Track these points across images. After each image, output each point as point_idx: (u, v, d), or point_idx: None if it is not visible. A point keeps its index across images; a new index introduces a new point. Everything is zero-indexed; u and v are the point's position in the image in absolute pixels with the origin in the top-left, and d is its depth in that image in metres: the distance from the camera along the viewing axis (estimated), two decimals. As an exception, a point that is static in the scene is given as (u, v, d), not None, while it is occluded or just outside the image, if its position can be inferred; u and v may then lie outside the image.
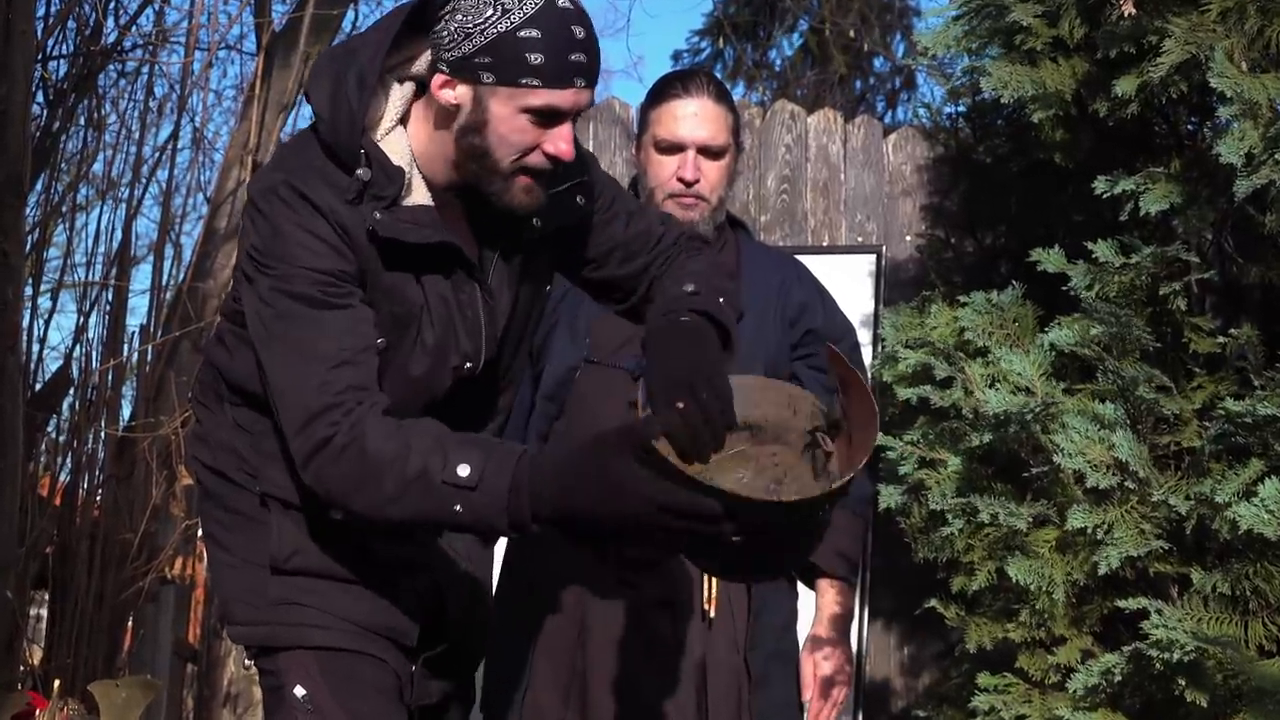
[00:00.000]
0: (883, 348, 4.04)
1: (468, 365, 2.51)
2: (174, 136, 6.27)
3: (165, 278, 6.17)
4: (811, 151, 4.98)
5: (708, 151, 3.39)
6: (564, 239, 2.64)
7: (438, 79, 2.39)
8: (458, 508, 2.24)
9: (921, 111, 4.29)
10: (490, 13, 2.33)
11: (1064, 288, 3.60)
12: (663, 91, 3.44)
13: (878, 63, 12.44)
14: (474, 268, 2.48)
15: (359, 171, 2.38)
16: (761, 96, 11.07)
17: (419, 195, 2.44)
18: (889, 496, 3.80)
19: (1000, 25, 3.78)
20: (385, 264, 2.41)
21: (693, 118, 3.38)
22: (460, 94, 2.38)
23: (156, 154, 6.48)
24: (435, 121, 2.43)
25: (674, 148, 3.40)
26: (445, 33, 2.36)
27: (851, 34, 11.12)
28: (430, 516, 2.27)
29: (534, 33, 2.32)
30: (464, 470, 2.23)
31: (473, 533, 2.40)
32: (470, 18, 2.33)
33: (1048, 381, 3.50)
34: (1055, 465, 3.41)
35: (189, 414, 5.47)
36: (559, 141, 2.40)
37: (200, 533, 5.73)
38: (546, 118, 2.37)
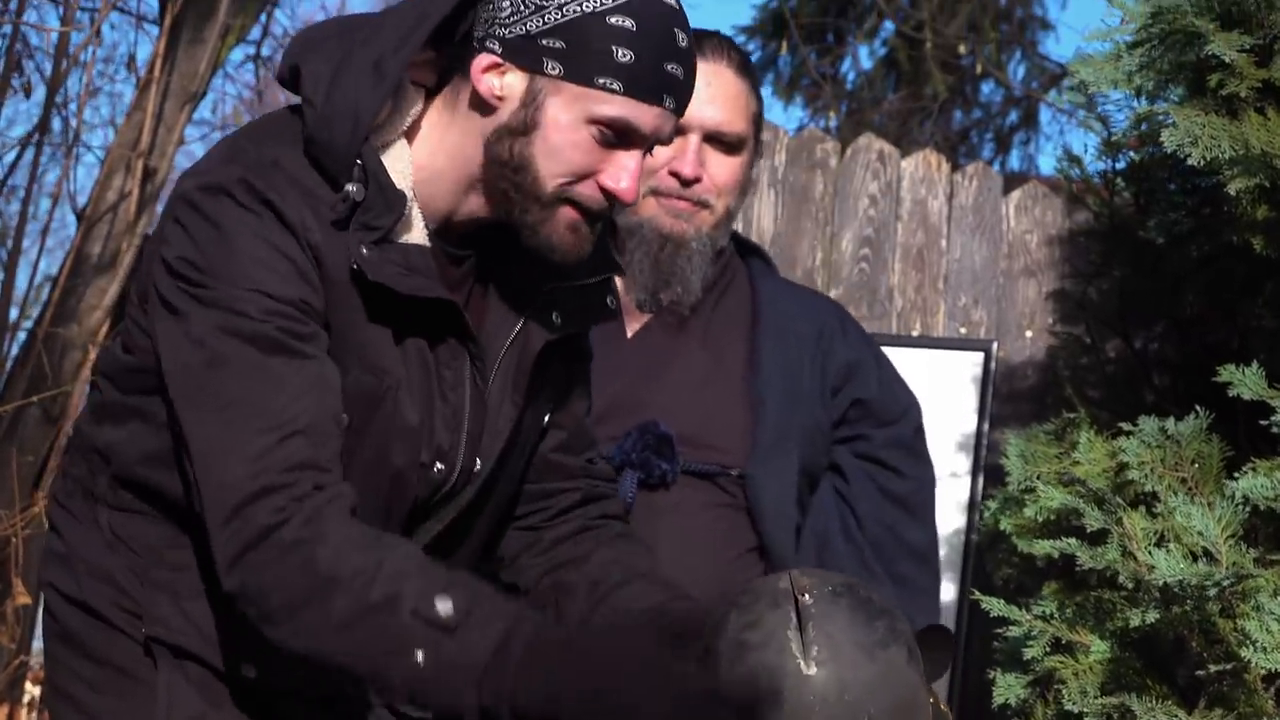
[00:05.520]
0: (1003, 482, 4.01)
1: (438, 468, 2.51)
2: (40, 128, 6.25)
3: (12, 317, 6.16)
4: (904, 207, 5.00)
5: (719, 141, 3.36)
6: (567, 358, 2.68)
7: (483, 60, 2.39)
8: (419, 656, 2.22)
9: (1065, 163, 4.28)
10: None
11: (1262, 422, 3.59)
12: None
13: (986, 88, 12.49)
14: (471, 340, 2.49)
15: (349, 187, 2.37)
16: (827, 121, 11.12)
17: (414, 233, 2.45)
18: (1006, 689, 3.76)
19: (1188, 59, 3.78)
20: (368, 315, 2.41)
21: (701, 91, 3.37)
22: (510, 84, 2.39)
23: (13, 150, 6.48)
24: (459, 122, 2.43)
25: None
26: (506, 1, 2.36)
27: (962, 48, 11.14)
28: (375, 664, 2.26)
29: (627, 22, 2.34)
30: (444, 606, 2.22)
31: (415, 705, 2.36)
32: None
33: (1236, 547, 3.48)
34: (1241, 662, 3.39)
35: (38, 508, 5.48)
36: (622, 175, 2.41)
37: (44, 689, 5.70)
38: (618, 137, 2.38)
